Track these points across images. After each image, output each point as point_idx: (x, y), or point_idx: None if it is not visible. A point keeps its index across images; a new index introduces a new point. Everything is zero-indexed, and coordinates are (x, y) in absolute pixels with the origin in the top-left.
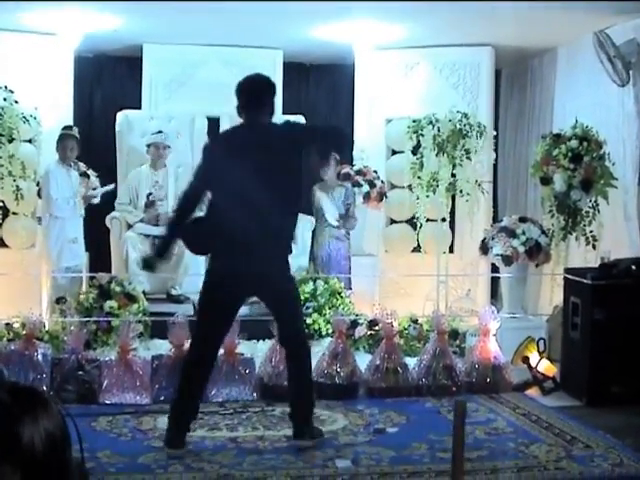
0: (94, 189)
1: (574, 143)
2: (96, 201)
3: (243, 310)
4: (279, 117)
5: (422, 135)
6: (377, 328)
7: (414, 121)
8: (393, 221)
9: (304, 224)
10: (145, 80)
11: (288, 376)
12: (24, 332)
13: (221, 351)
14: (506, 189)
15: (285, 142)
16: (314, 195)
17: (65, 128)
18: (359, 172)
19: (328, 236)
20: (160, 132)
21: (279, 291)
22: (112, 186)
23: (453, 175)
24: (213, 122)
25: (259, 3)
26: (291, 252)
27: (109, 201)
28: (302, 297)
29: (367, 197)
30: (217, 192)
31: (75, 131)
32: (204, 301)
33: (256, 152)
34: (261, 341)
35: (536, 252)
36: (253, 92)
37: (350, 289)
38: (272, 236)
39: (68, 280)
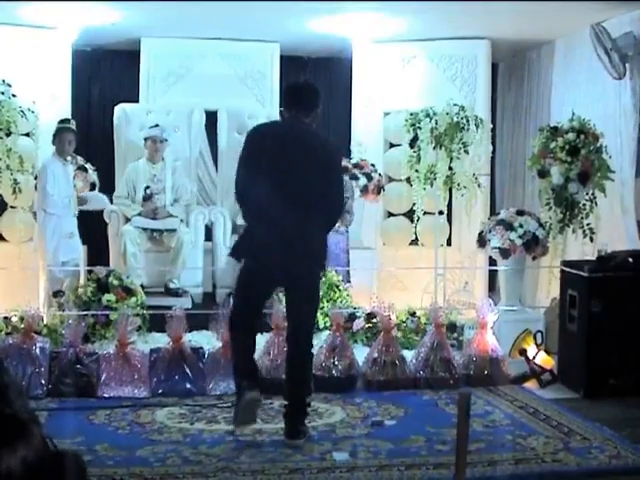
0: (92, 183)
1: (571, 136)
2: (87, 206)
3: None
4: (276, 110)
5: (419, 128)
6: (375, 321)
7: (411, 114)
8: (391, 214)
9: None
10: (143, 73)
11: (286, 377)
12: (22, 326)
13: (219, 344)
14: (503, 182)
15: (323, 155)
16: None
17: (62, 121)
18: (357, 165)
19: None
20: (157, 126)
21: (301, 292)
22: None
23: (450, 168)
24: (211, 115)
25: None
26: (325, 258)
27: (108, 196)
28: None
29: (365, 190)
30: (257, 186)
31: (73, 124)
32: (240, 281)
33: (297, 151)
34: (259, 334)
35: (534, 245)
36: (304, 97)
37: (349, 282)
38: (306, 237)
39: (65, 274)
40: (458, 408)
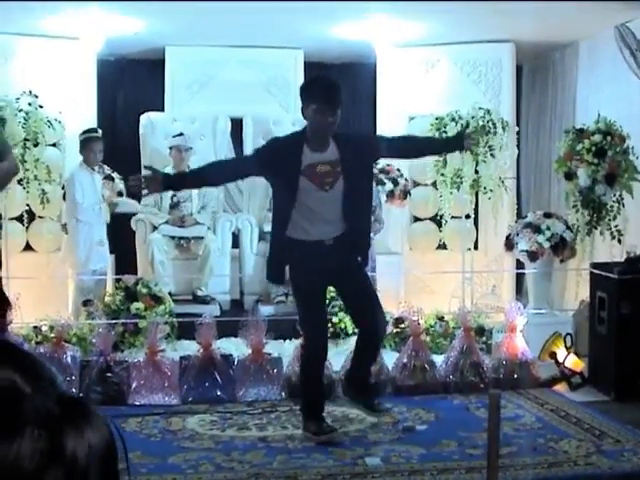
0: (119, 192)
1: (597, 137)
2: (119, 209)
3: (268, 310)
4: (300, 116)
5: (445, 132)
6: (403, 326)
7: (437, 118)
8: (417, 219)
9: None
10: (167, 82)
11: (363, 353)
12: (52, 335)
13: (248, 351)
14: (529, 185)
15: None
16: None
17: (89, 131)
18: (382, 170)
19: None
20: (181, 134)
21: (356, 283)
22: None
23: (477, 172)
24: (236, 123)
25: (279, 3)
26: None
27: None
28: (327, 296)
29: (391, 195)
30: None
31: (99, 133)
32: (297, 289)
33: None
34: (287, 340)
35: (561, 247)
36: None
37: (375, 288)
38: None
39: (94, 282)
40: (489, 408)
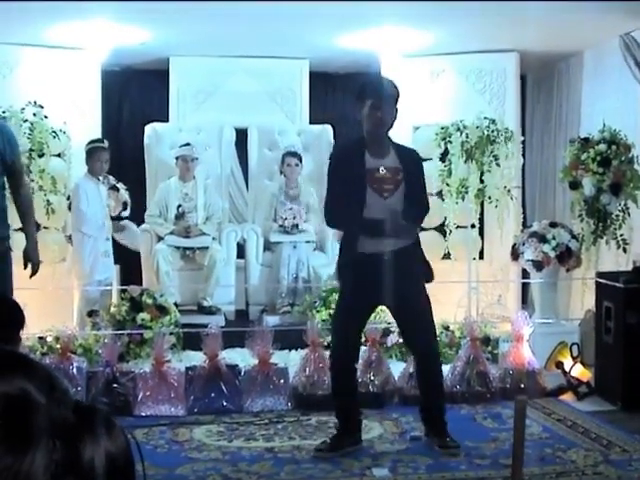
0: (124, 202)
1: (602, 147)
2: (120, 237)
3: (274, 320)
4: (306, 127)
5: (450, 142)
6: None
7: (442, 128)
8: (422, 228)
9: (333, 233)
10: (172, 92)
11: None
12: (58, 345)
13: (254, 361)
14: (534, 194)
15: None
16: None
17: (95, 141)
18: None
19: None
20: (188, 144)
21: (407, 301)
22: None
23: (482, 181)
24: (241, 133)
25: (284, 13)
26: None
27: (139, 215)
28: (333, 306)
29: None
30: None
31: (106, 144)
32: (340, 307)
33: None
34: (294, 351)
35: (567, 257)
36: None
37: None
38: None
39: (99, 293)
40: (515, 414)
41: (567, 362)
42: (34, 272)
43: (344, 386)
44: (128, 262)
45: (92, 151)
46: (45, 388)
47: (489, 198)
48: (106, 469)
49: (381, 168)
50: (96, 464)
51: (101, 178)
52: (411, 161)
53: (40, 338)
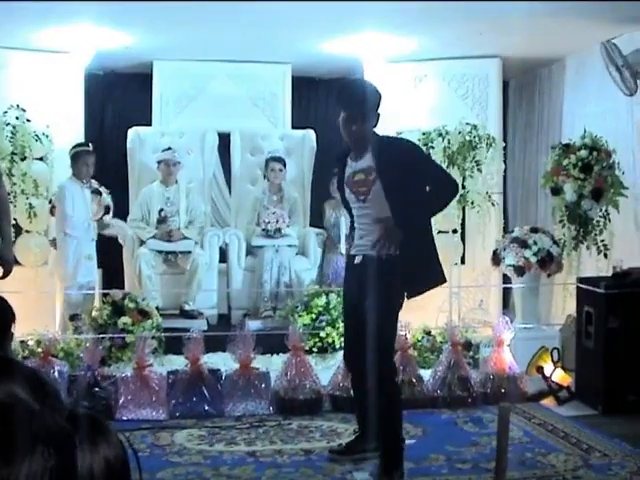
0: (106, 207)
1: (584, 153)
2: (108, 231)
3: (256, 324)
4: (289, 131)
5: (432, 147)
6: None
7: (424, 133)
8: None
9: (315, 238)
10: (155, 96)
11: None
12: (39, 349)
13: (236, 366)
14: (516, 200)
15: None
16: (324, 212)
17: (81, 145)
18: None
19: (336, 253)
20: (170, 149)
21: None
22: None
23: (464, 187)
24: (224, 137)
25: (268, 18)
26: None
27: (122, 219)
28: (315, 310)
29: None
30: None
31: (91, 147)
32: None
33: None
34: (275, 355)
35: (548, 262)
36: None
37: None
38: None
39: (81, 297)
40: (498, 421)
41: (548, 367)
42: (7, 273)
43: (354, 388)
44: (111, 266)
45: (78, 155)
46: (38, 394)
47: (471, 203)
48: (105, 476)
49: (356, 172)
50: (95, 471)
51: (84, 182)
52: (390, 153)
53: (22, 342)
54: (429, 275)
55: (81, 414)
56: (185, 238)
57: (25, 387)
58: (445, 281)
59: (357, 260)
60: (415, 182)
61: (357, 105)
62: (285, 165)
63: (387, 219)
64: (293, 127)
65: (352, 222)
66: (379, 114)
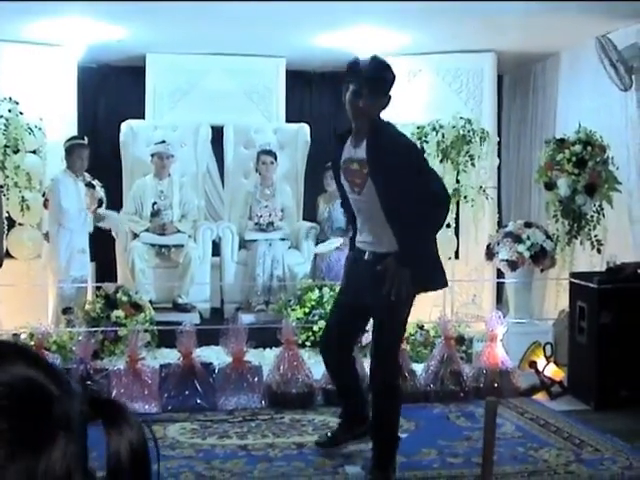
0: (99, 200)
1: (578, 148)
2: (103, 224)
3: (249, 318)
4: (282, 125)
5: (426, 142)
6: None
7: (418, 127)
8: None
9: (308, 232)
10: (149, 90)
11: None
12: (32, 342)
13: (229, 359)
14: (510, 194)
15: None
16: (318, 206)
17: (75, 138)
18: None
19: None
20: (163, 142)
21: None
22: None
23: (457, 181)
24: (217, 131)
25: (261, 12)
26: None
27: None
28: (308, 304)
29: None
30: None
31: (86, 140)
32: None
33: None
34: (268, 349)
35: (542, 257)
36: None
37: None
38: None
39: (74, 290)
40: (485, 415)
41: (540, 362)
42: None
43: (332, 375)
44: (104, 259)
45: (72, 148)
46: (56, 379)
47: (465, 198)
48: (130, 459)
49: (353, 159)
50: (122, 455)
51: (78, 175)
52: (380, 153)
53: (14, 335)
54: (436, 277)
55: (104, 400)
56: (178, 231)
57: (44, 371)
58: (447, 285)
59: (367, 257)
60: (406, 189)
61: (366, 80)
62: (276, 158)
63: (382, 217)
64: (287, 121)
65: (351, 211)
66: (390, 97)
